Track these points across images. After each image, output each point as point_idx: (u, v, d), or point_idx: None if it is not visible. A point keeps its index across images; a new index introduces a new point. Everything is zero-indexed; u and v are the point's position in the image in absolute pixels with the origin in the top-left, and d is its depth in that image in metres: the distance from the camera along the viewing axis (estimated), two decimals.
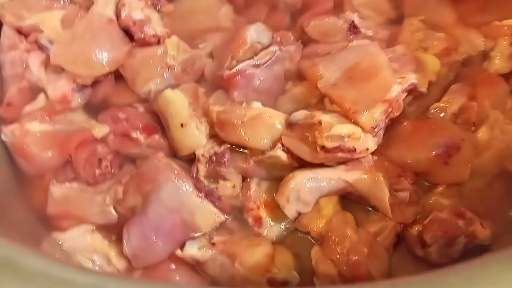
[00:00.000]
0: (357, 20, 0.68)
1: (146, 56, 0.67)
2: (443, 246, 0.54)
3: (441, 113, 0.61)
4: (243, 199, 0.59)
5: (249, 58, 0.64)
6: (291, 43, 0.67)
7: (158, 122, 0.63)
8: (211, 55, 0.69)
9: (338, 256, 0.53)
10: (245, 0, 0.75)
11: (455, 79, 0.64)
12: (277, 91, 0.64)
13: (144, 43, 0.68)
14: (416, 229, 0.55)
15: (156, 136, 0.63)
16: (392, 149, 0.58)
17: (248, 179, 0.60)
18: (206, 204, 0.56)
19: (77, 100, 0.66)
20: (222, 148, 0.59)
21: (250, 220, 0.58)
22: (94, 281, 0.35)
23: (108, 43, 0.66)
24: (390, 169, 0.57)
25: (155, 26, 0.68)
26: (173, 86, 0.64)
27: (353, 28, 0.68)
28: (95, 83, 0.67)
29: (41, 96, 0.66)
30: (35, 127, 0.62)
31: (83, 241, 0.57)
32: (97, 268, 0.56)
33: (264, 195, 0.59)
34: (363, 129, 0.55)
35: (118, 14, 0.68)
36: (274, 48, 0.65)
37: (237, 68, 0.62)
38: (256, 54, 0.64)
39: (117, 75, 0.68)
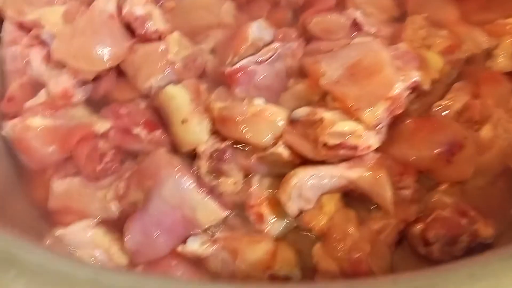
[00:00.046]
0: (360, 17, 0.68)
1: (147, 52, 0.67)
2: (446, 244, 0.53)
3: (444, 111, 0.60)
4: (245, 196, 0.59)
5: (251, 55, 0.63)
6: (293, 40, 0.66)
7: (160, 118, 0.63)
8: (213, 51, 0.69)
9: (339, 254, 0.53)
10: None
11: (458, 77, 0.64)
12: (279, 88, 0.64)
13: (146, 39, 0.67)
14: (418, 227, 0.55)
15: (158, 132, 0.63)
16: (394, 146, 0.57)
17: (250, 176, 0.60)
18: (207, 200, 0.56)
19: (79, 95, 0.66)
20: (224, 144, 0.59)
21: (251, 216, 0.58)
22: (95, 275, 0.35)
23: (109, 38, 0.65)
24: (392, 167, 0.56)
25: (157, 22, 0.68)
26: (174, 82, 0.64)
27: (356, 25, 0.68)
28: (97, 78, 0.67)
29: (43, 92, 0.66)
30: (37, 122, 0.62)
31: (84, 236, 0.57)
32: (98, 263, 0.56)
33: (265, 192, 0.59)
34: (366, 127, 0.55)
35: (119, 10, 0.68)
36: (276, 45, 0.65)
37: (238, 64, 0.62)
38: (258, 51, 0.64)
39: (119, 71, 0.68)
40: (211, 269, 0.56)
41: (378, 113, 0.55)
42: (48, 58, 0.67)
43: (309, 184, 0.55)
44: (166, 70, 0.65)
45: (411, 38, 0.65)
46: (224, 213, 0.57)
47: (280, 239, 0.58)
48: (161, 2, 0.72)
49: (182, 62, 0.66)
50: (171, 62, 0.65)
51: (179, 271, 0.56)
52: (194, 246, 0.56)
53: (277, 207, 0.57)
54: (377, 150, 0.56)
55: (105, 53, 0.64)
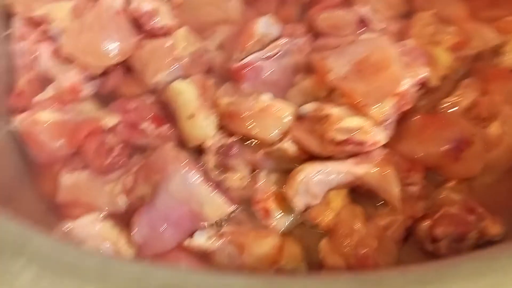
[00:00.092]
0: (367, 14, 0.67)
1: (155, 47, 0.67)
2: (453, 241, 0.53)
3: (452, 107, 0.60)
4: (251, 191, 0.59)
5: (258, 51, 0.63)
6: (300, 36, 0.66)
7: (167, 113, 0.63)
8: (220, 47, 0.69)
9: (346, 249, 0.53)
10: None
11: (466, 74, 0.64)
12: (286, 84, 0.64)
13: (153, 35, 0.68)
14: (426, 223, 0.54)
15: (165, 127, 0.63)
16: (402, 143, 0.57)
17: (256, 171, 0.60)
18: (214, 195, 0.56)
19: (87, 90, 0.67)
20: (231, 140, 0.59)
21: (258, 211, 0.58)
22: (104, 264, 0.35)
23: (117, 34, 0.66)
24: (400, 163, 0.56)
25: (164, 18, 0.68)
26: (182, 78, 0.64)
27: (363, 22, 0.67)
28: (104, 73, 0.67)
29: (51, 86, 0.66)
30: (45, 116, 0.63)
31: (92, 230, 0.57)
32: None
33: (272, 187, 0.59)
34: (373, 123, 0.55)
35: (127, 6, 0.68)
36: (283, 40, 0.65)
37: (246, 60, 0.62)
38: (265, 47, 0.64)
39: (127, 66, 0.68)
40: (218, 263, 0.56)
41: (386, 109, 0.55)
42: (56, 54, 0.67)
43: (316, 179, 0.55)
44: (174, 65, 0.65)
45: (419, 35, 0.65)
46: (231, 208, 0.57)
47: (286, 234, 0.58)
48: None
49: (190, 57, 0.66)
50: (179, 57, 0.66)
51: (185, 264, 0.56)
52: (201, 240, 0.56)
53: (284, 202, 0.57)
54: (384, 146, 0.56)
55: (113, 49, 0.65)
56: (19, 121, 0.64)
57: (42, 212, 0.61)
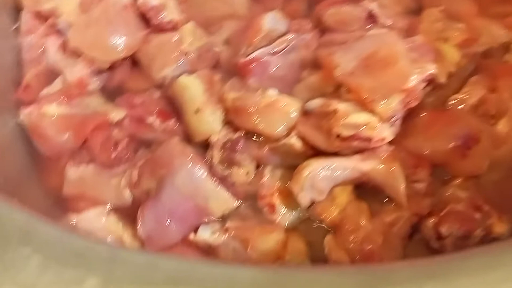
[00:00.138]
0: (375, 9, 0.67)
1: (162, 42, 0.67)
2: (459, 239, 0.53)
3: (460, 104, 0.60)
4: (257, 186, 0.59)
5: (264, 46, 0.63)
6: (307, 32, 0.66)
7: (173, 108, 0.63)
8: (227, 42, 0.69)
9: (351, 245, 0.53)
10: None
11: (475, 70, 0.63)
12: (292, 79, 0.64)
13: (160, 29, 0.68)
14: (432, 220, 0.54)
15: (171, 122, 0.63)
16: (409, 139, 0.57)
17: (262, 167, 0.60)
18: (220, 190, 0.56)
19: (94, 84, 0.67)
20: (237, 135, 0.59)
21: (263, 207, 0.58)
22: (110, 252, 0.35)
23: (123, 28, 0.66)
24: (406, 160, 0.56)
25: (171, 12, 0.68)
26: (188, 73, 0.64)
27: (371, 17, 0.67)
28: (111, 68, 0.67)
29: (58, 80, 0.67)
30: (52, 110, 0.63)
31: (98, 223, 0.57)
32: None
33: (278, 183, 0.59)
34: (380, 119, 0.55)
35: (134, 0, 0.68)
36: (290, 36, 0.64)
37: (252, 55, 0.62)
38: (272, 42, 0.64)
39: (133, 61, 0.68)
40: (222, 258, 0.56)
41: (393, 105, 0.54)
42: (64, 47, 0.68)
43: (321, 175, 0.55)
44: (180, 60, 0.65)
45: (427, 31, 0.64)
46: (236, 203, 0.57)
47: (291, 229, 0.58)
48: None
49: (196, 52, 0.66)
50: (185, 52, 0.66)
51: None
52: (206, 234, 0.56)
53: (289, 197, 0.57)
54: (391, 142, 0.56)
55: (120, 43, 0.65)
56: (26, 114, 0.64)
57: (48, 205, 0.61)
